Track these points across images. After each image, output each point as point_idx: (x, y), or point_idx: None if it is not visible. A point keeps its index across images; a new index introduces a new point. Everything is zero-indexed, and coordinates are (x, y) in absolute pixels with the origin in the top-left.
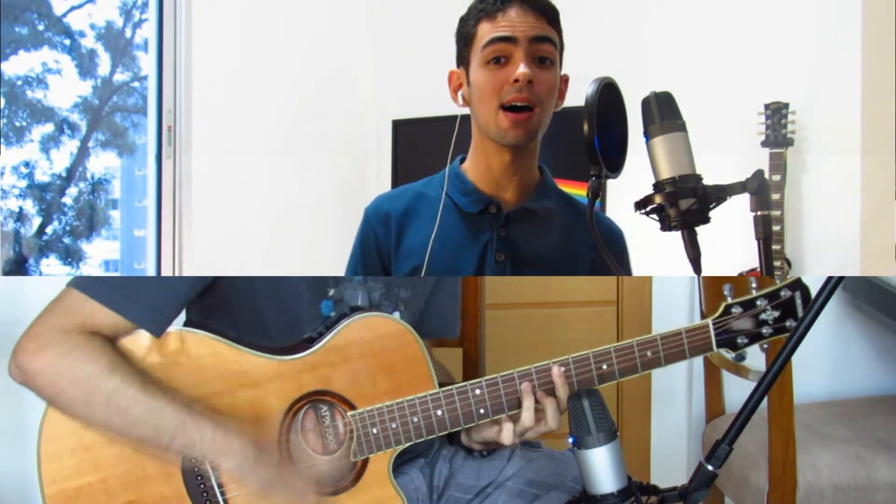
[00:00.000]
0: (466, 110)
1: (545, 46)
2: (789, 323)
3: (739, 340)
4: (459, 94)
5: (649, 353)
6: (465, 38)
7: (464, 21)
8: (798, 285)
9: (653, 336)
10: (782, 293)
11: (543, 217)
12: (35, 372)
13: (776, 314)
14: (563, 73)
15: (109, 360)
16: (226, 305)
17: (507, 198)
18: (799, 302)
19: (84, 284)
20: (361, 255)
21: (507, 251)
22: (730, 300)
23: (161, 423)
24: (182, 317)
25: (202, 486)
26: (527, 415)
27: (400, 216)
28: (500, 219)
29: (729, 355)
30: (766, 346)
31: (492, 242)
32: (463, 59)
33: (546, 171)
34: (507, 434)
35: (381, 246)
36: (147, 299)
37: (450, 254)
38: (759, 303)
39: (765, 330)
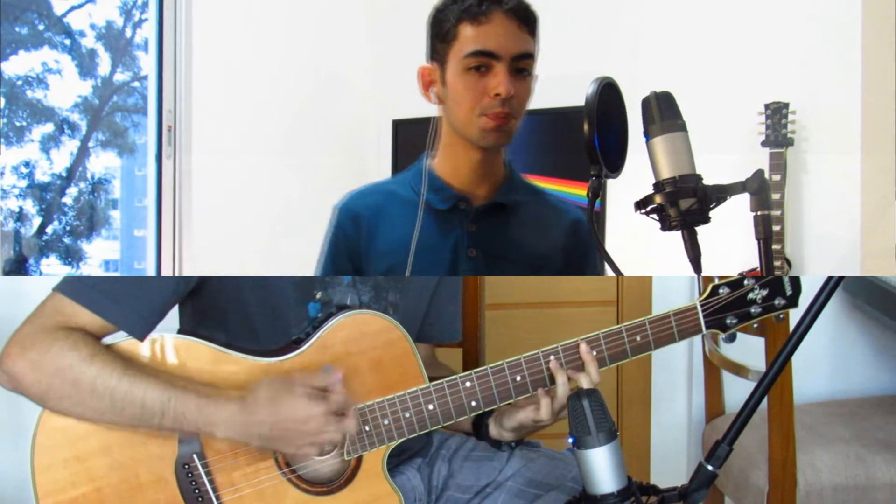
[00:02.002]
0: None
1: (526, 61)
2: (778, 301)
3: (728, 321)
4: (432, 91)
5: (638, 338)
6: (442, 35)
7: (441, 14)
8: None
9: (641, 320)
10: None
11: (513, 210)
12: (21, 373)
13: (764, 293)
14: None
15: (90, 349)
16: (214, 310)
17: (478, 193)
18: (787, 280)
19: (67, 288)
20: (332, 254)
21: (479, 246)
22: (717, 281)
23: (147, 402)
24: (175, 324)
25: (196, 490)
26: (562, 390)
27: (370, 215)
28: (469, 214)
29: (720, 337)
30: (755, 325)
31: (462, 238)
32: (438, 56)
33: (512, 166)
34: (544, 408)
35: (350, 245)
36: (130, 302)
37: (422, 251)
38: (746, 282)
39: (753, 309)
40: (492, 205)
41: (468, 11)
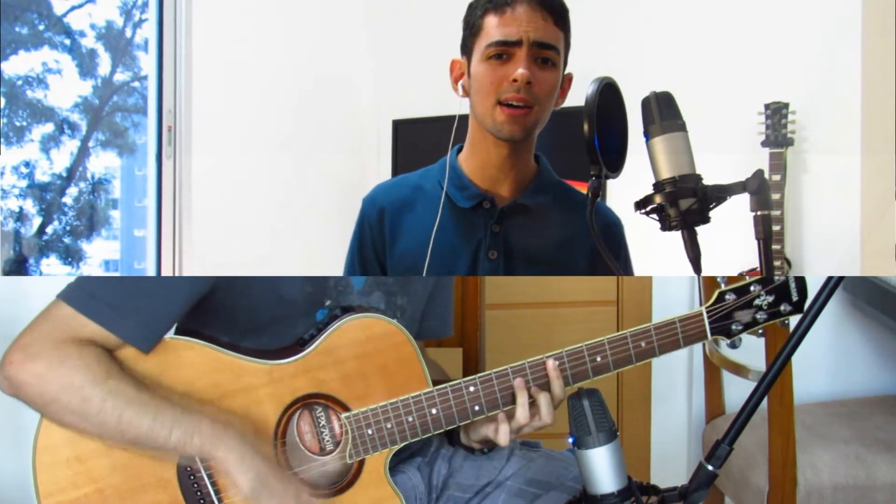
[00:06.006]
0: (466, 107)
1: (548, 52)
2: (784, 307)
3: (734, 327)
4: (460, 84)
5: (643, 344)
6: (470, 27)
7: (472, 9)
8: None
9: (646, 326)
10: (776, 278)
11: (538, 212)
12: (24, 383)
13: (770, 299)
14: (567, 71)
15: (104, 367)
16: (218, 312)
17: (502, 193)
18: (793, 286)
19: (73, 298)
20: (359, 248)
21: (500, 248)
22: (723, 287)
23: (157, 421)
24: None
25: (199, 492)
26: (521, 411)
27: (394, 210)
28: (493, 215)
29: (724, 343)
30: (760, 331)
31: (485, 239)
32: (466, 49)
33: (544, 162)
34: (502, 434)
35: (375, 239)
36: (138, 315)
37: (443, 251)
38: (752, 288)
39: (759, 315)
40: (516, 206)
41: (493, 2)
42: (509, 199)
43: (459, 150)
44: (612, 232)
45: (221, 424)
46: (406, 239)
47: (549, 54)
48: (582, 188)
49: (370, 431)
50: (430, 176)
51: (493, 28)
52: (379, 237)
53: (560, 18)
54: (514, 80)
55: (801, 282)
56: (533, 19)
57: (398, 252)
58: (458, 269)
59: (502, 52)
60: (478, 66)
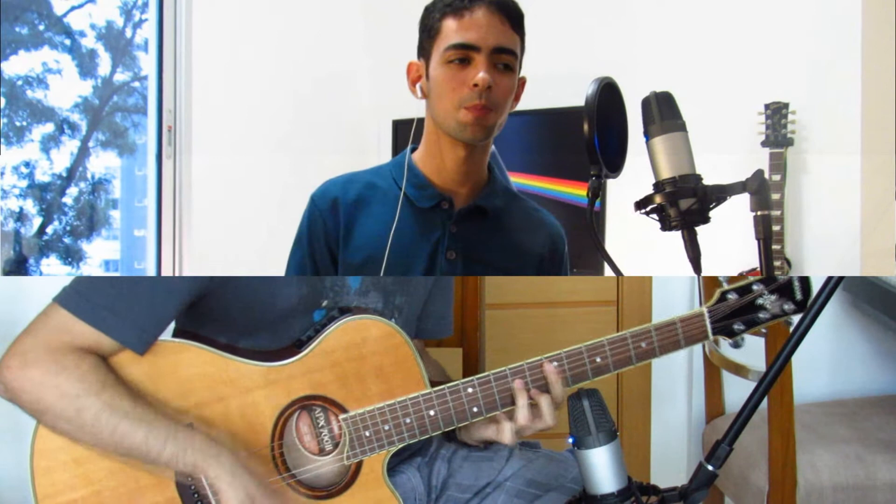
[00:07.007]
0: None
1: (507, 56)
2: (787, 306)
3: (736, 327)
4: (418, 86)
5: (644, 345)
6: (428, 30)
7: (429, 11)
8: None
9: (647, 327)
10: (779, 277)
11: (494, 215)
12: (20, 389)
13: (773, 298)
14: (521, 75)
15: (101, 378)
16: (216, 312)
17: (460, 193)
18: (797, 285)
19: (69, 301)
20: (309, 242)
21: (458, 249)
22: (725, 287)
23: (151, 435)
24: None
25: (196, 494)
26: (521, 413)
27: (349, 205)
28: (451, 215)
29: (727, 342)
30: (764, 330)
31: (443, 240)
32: (424, 51)
33: (494, 170)
34: (506, 433)
35: (328, 232)
36: (132, 317)
37: (401, 250)
38: (755, 287)
39: (762, 315)
40: (474, 208)
41: (452, 6)
42: (466, 200)
43: (413, 151)
44: (557, 241)
45: (215, 442)
46: (361, 235)
47: (507, 59)
48: (582, 188)
49: (367, 433)
50: (384, 174)
51: (452, 32)
52: (333, 230)
53: (517, 23)
54: (475, 85)
55: (805, 281)
56: (492, 24)
57: (352, 247)
58: (415, 269)
59: (462, 55)
60: (437, 69)
